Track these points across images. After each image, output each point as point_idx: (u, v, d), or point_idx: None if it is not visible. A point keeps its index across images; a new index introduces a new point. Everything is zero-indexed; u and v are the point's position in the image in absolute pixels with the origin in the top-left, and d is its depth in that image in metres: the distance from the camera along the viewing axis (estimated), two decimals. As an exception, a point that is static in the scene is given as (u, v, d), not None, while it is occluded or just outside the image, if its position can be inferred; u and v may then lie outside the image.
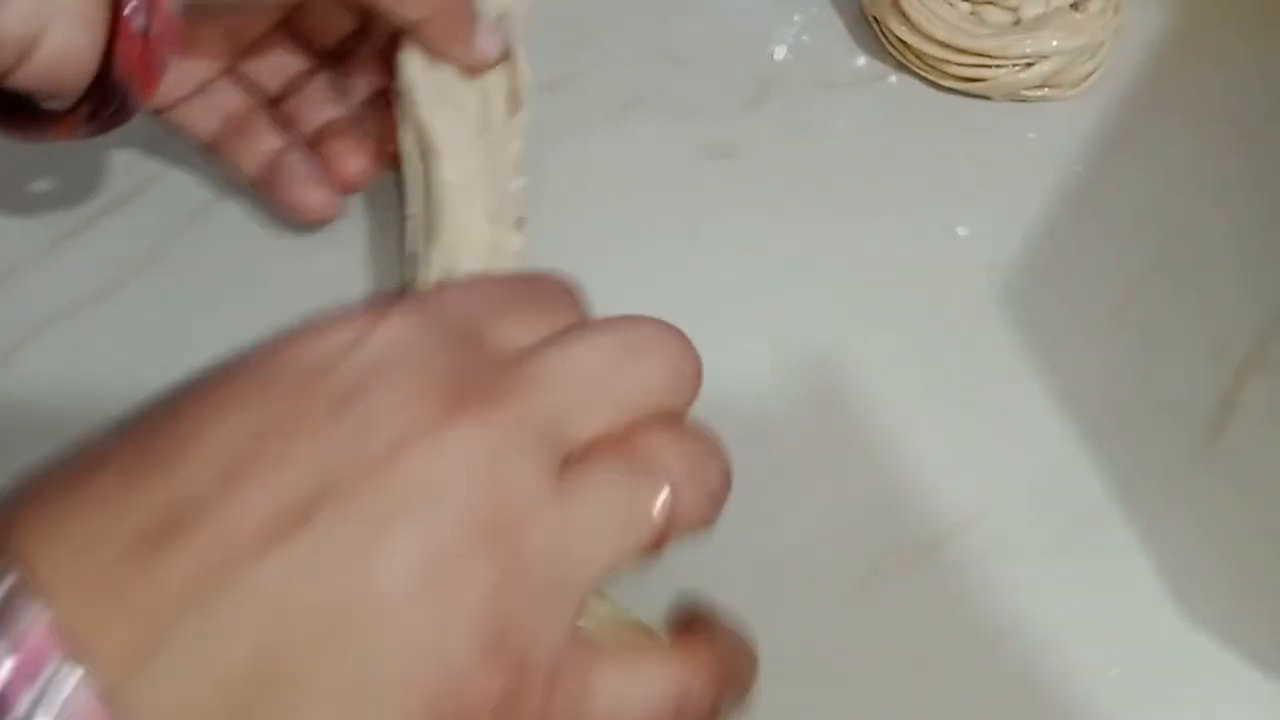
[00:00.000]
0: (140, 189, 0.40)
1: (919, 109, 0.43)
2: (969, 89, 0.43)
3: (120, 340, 0.37)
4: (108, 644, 0.17)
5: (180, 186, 0.40)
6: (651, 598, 0.33)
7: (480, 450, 0.19)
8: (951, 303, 0.38)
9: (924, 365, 0.37)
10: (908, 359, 0.37)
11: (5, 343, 0.37)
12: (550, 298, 0.24)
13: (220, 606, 0.17)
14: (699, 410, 0.35)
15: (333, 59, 0.38)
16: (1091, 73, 0.43)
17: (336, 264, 0.38)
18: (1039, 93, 0.43)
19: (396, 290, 0.37)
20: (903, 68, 0.43)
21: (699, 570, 0.34)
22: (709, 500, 0.23)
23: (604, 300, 0.36)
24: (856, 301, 0.38)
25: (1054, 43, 0.41)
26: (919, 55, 0.42)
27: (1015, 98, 0.43)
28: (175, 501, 0.18)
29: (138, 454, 0.19)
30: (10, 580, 0.17)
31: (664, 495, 0.22)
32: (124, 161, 0.40)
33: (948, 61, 0.42)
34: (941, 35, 0.41)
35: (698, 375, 0.24)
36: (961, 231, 0.40)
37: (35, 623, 0.17)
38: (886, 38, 0.43)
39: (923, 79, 0.43)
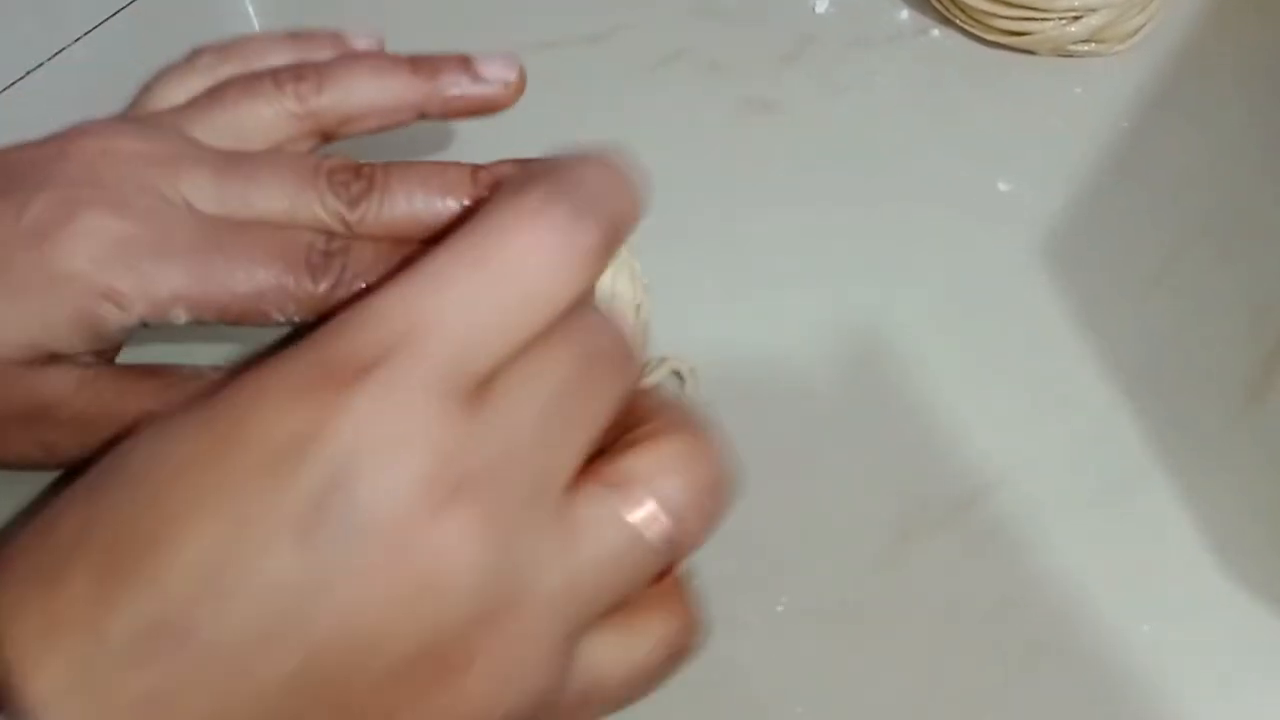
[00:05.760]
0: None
1: (963, 64, 0.42)
2: (1014, 43, 0.42)
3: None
4: None
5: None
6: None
7: (479, 533, 0.19)
8: (992, 259, 0.38)
9: (963, 321, 0.37)
10: (946, 314, 0.37)
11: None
12: None
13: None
14: (739, 367, 0.36)
15: None
16: (1141, 27, 0.42)
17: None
18: (1086, 48, 0.42)
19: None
20: (946, 21, 0.43)
21: (736, 524, 0.34)
22: (710, 511, 0.23)
23: (638, 253, 0.37)
24: (897, 256, 0.38)
25: (1102, -5, 0.41)
26: (963, 8, 0.42)
27: (1062, 53, 0.42)
28: (161, 614, 0.19)
29: (108, 550, 0.19)
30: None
31: (663, 530, 0.22)
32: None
33: (993, 15, 0.41)
34: (987, -12, 0.41)
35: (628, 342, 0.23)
36: (1003, 187, 0.40)
37: None
38: (931, -10, 0.43)
39: (967, 33, 0.43)
